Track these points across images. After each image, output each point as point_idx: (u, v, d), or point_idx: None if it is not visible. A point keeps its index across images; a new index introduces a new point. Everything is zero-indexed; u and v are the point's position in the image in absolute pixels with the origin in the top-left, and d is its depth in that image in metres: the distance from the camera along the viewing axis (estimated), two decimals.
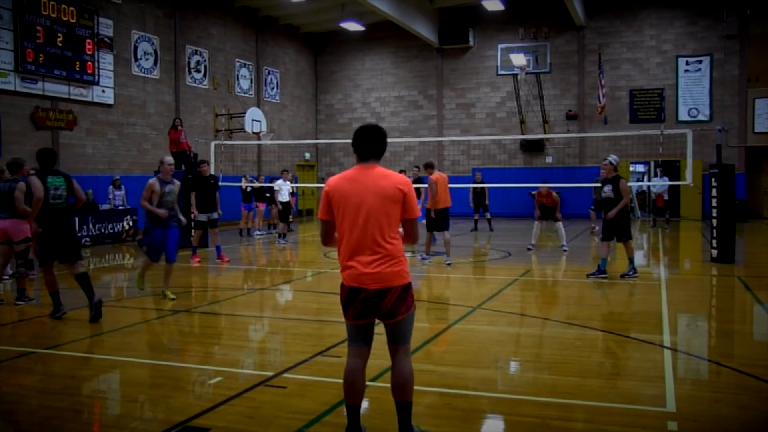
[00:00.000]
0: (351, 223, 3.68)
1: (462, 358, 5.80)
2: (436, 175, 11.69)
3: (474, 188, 18.39)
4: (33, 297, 8.65)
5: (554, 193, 14.09)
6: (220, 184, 13.53)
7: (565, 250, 13.61)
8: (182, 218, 8.92)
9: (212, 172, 15.97)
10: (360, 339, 3.75)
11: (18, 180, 8.48)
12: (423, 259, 12.16)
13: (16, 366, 5.75)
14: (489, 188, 18.66)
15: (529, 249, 13.84)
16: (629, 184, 12.58)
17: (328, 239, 3.89)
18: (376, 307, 3.64)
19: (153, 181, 8.53)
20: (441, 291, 9.77)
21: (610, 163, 10.11)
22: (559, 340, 6.52)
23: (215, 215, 12.93)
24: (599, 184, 16.84)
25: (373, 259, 3.64)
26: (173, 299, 8.52)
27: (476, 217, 18.97)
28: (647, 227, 20.16)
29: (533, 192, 23.61)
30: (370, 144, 3.79)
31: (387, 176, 3.73)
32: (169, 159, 8.85)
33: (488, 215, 18.76)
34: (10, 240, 8.56)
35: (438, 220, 11.78)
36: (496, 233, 18.24)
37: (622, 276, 10.12)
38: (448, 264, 11.77)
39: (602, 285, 9.71)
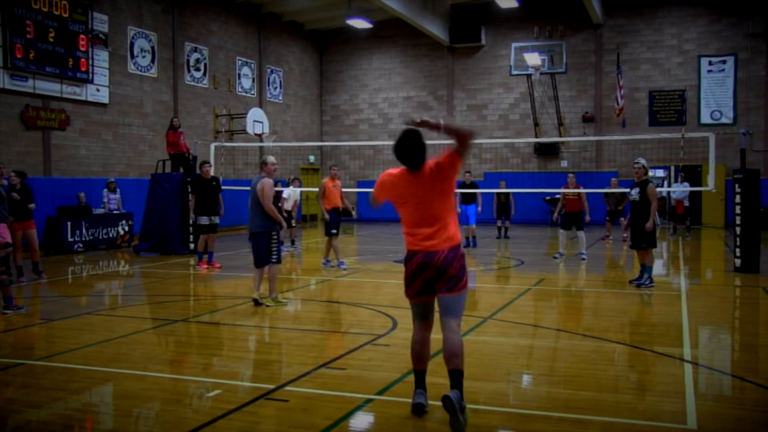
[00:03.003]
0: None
1: (472, 371, 5.47)
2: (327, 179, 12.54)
3: (499, 196, 18.19)
4: (23, 306, 8.37)
5: (583, 194, 13.57)
6: (222, 186, 13.39)
7: (583, 258, 13.32)
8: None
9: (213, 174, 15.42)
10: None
11: None
12: (326, 263, 12.40)
13: (3, 378, 5.59)
14: (510, 195, 18.42)
15: (556, 257, 13.48)
16: (578, 190, 13.20)
17: None
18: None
19: (271, 181, 8.49)
20: None
21: (643, 166, 10.01)
22: (574, 352, 6.39)
23: (217, 219, 12.72)
24: (613, 190, 16.23)
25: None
26: (284, 303, 8.53)
27: (499, 224, 18.67)
28: (667, 235, 19.66)
29: (549, 197, 23.01)
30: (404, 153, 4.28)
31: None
32: (272, 159, 8.72)
33: (507, 223, 18.57)
34: None
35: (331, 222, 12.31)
36: (504, 240, 18.09)
37: (631, 282, 10.06)
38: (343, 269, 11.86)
39: (650, 294, 9.53)
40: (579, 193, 13.49)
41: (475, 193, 15.73)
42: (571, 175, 13.98)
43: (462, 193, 15.42)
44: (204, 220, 12.45)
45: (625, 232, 16.54)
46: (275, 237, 8.39)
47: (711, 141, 12.63)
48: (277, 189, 17.28)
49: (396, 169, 4.39)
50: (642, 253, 9.91)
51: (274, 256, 8.37)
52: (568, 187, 13.68)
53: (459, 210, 15.40)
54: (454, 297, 4.30)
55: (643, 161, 10.09)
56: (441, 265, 4.24)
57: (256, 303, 8.45)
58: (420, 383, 4.53)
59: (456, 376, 4.24)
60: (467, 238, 15.79)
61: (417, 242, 4.31)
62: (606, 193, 17.58)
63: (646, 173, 10.02)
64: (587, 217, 13.57)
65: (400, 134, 4.26)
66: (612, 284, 10.81)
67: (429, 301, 4.42)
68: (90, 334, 7.08)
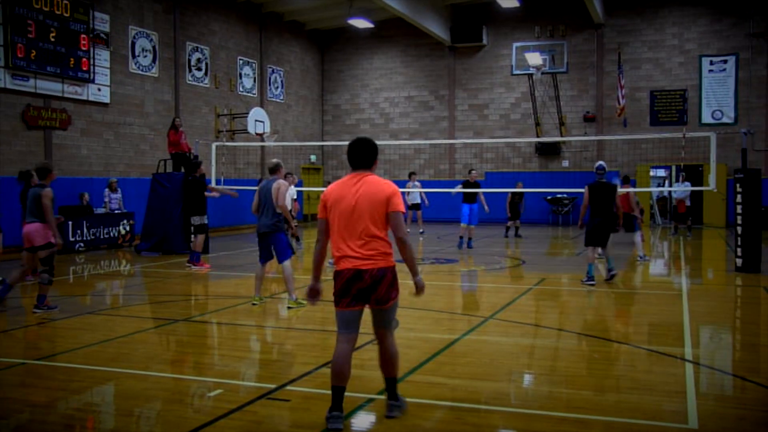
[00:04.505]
0: None
1: (473, 371, 5.64)
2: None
3: (513, 195, 18.22)
4: (55, 305, 8.38)
5: (631, 193, 13.57)
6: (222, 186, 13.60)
7: (646, 260, 13.23)
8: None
9: (212, 174, 15.44)
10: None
11: (45, 186, 8.30)
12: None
13: (5, 378, 5.58)
14: (503, 193, 18.52)
15: (640, 259, 13.23)
16: (649, 189, 12.89)
17: None
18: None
19: (287, 183, 8.60)
20: (451, 300, 9.41)
21: (602, 168, 10.55)
22: (575, 352, 6.44)
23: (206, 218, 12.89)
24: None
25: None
26: (305, 305, 8.34)
27: (509, 224, 18.70)
28: (668, 235, 19.61)
29: (551, 197, 22.94)
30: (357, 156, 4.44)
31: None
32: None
33: (517, 222, 18.58)
34: (33, 246, 8.29)
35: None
36: (509, 240, 18.04)
37: (584, 281, 10.29)
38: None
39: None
40: (630, 204, 13.39)
41: (477, 193, 15.63)
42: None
43: (464, 192, 15.38)
44: (198, 220, 12.52)
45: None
46: (286, 237, 8.47)
47: (712, 141, 12.61)
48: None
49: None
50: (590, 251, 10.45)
51: (290, 253, 8.48)
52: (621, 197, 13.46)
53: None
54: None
55: (601, 163, 10.58)
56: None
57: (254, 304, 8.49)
58: (336, 403, 4.31)
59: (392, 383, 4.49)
60: (461, 237, 15.75)
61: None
62: None
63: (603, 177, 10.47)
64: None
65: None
66: (613, 284, 10.78)
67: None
68: (91, 333, 7.08)
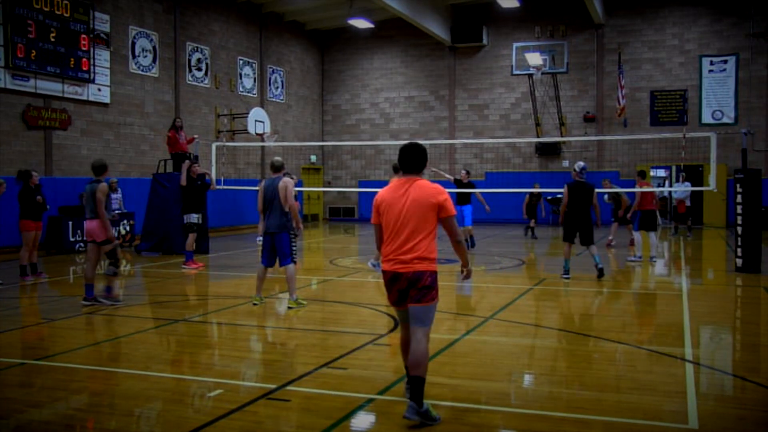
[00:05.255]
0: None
1: (474, 371, 5.64)
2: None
3: (531, 196, 18.22)
4: (120, 299, 8.77)
5: (655, 192, 13.80)
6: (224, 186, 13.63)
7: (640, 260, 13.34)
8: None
9: (213, 175, 15.43)
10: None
11: (101, 181, 8.57)
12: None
13: (5, 378, 5.57)
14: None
15: (652, 259, 13.28)
16: (650, 189, 13.39)
17: None
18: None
19: (291, 180, 8.53)
20: (452, 300, 9.32)
21: (583, 169, 10.90)
22: (576, 352, 6.42)
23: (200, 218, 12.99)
24: (607, 190, 16.14)
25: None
26: (305, 305, 8.47)
27: (531, 224, 18.75)
28: (668, 235, 19.61)
29: (551, 197, 22.93)
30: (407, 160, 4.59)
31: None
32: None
33: (533, 222, 18.58)
34: (94, 241, 8.65)
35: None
36: (508, 240, 17.95)
37: (561, 276, 10.82)
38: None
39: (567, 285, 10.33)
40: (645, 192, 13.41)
41: (470, 194, 15.23)
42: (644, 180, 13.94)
43: (457, 193, 14.89)
44: (193, 219, 12.52)
45: (613, 236, 16.35)
46: (294, 236, 8.39)
47: (712, 141, 12.60)
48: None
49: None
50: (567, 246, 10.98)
51: (295, 256, 8.39)
52: (641, 186, 13.42)
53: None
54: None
55: (581, 164, 10.95)
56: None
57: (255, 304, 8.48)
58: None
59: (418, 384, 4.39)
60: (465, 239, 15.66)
61: None
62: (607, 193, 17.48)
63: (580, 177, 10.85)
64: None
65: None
66: (612, 284, 10.79)
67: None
68: (91, 333, 7.06)
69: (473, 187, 15.72)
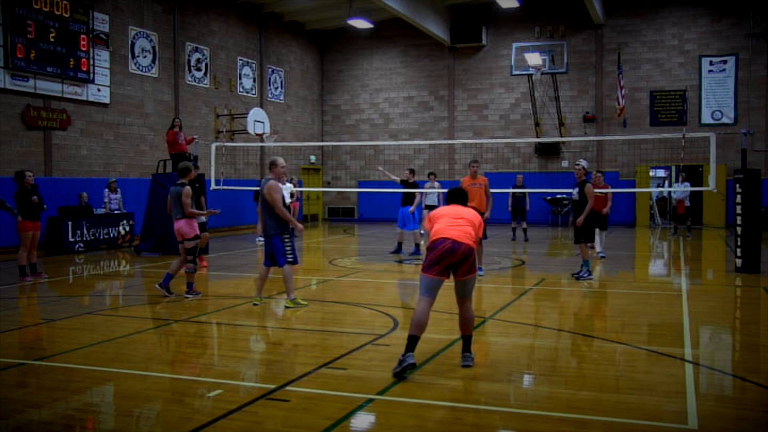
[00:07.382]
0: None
1: (473, 371, 5.62)
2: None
3: (514, 193, 17.61)
4: (200, 291, 9.31)
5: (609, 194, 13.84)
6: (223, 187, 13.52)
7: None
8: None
9: (212, 175, 15.44)
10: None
11: (185, 184, 9.15)
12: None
13: (5, 378, 5.57)
14: (526, 194, 17.89)
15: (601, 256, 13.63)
16: (649, 189, 13.04)
17: None
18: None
19: (277, 183, 8.44)
20: (450, 300, 9.15)
21: (583, 167, 11.02)
22: (575, 352, 6.46)
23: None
24: (606, 190, 16.10)
25: None
26: (306, 305, 8.48)
27: (514, 225, 18.27)
28: (667, 235, 19.61)
29: (550, 197, 22.93)
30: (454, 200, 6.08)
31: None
32: (282, 161, 8.68)
33: (524, 224, 18.00)
34: (184, 239, 9.24)
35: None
36: (508, 240, 17.86)
37: (573, 275, 10.84)
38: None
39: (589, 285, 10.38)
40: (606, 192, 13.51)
41: (413, 194, 14.36)
42: (598, 174, 14.22)
43: (402, 194, 14.34)
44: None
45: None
46: (287, 237, 8.31)
47: (712, 141, 12.59)
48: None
49: None
50: (581, 247, 10.87)
51: (289, 256, 8.31)
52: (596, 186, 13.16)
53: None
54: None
55: (583, 163, 11.10)
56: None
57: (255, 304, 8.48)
58: (411, 348, 5.34)
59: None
60: (400, 243, 14.62)
61: None
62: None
63: (585, 174, 11.05)
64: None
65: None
66: (612, 284, 10.80)
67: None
68: (91, 334, 7.07)
69: (417, 187, 14.69)
